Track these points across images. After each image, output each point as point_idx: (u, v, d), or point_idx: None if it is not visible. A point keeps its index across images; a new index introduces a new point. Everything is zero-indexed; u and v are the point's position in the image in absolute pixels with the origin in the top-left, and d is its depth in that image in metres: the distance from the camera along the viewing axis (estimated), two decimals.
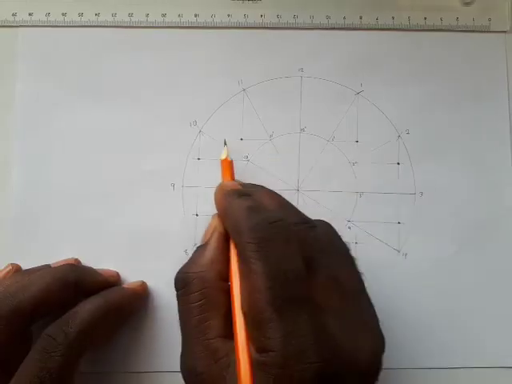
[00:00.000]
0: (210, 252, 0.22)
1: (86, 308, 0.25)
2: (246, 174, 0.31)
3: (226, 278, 0.21)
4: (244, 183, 0.27)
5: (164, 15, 0.32)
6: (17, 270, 0.29)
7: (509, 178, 0.31)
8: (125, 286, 0.29)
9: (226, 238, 0.23)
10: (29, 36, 0.32)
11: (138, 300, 0.29)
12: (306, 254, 0.20)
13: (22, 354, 0.23)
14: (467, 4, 0.32)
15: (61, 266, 0.27)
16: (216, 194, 0.25)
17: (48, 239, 0.30)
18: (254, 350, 0.18)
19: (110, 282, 0.29)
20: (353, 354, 0.18)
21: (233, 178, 0.27)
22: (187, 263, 0.22)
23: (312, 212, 0.30)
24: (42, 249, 0.30)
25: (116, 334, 0.29)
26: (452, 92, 0.32)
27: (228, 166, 0.28)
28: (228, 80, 0.32)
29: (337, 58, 0.32)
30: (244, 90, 0.32)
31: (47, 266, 0.28)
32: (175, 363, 0.29)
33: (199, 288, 0.21)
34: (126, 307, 0.28)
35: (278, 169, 0.31)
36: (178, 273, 0.22)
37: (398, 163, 0.31)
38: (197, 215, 0.30)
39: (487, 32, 0.32)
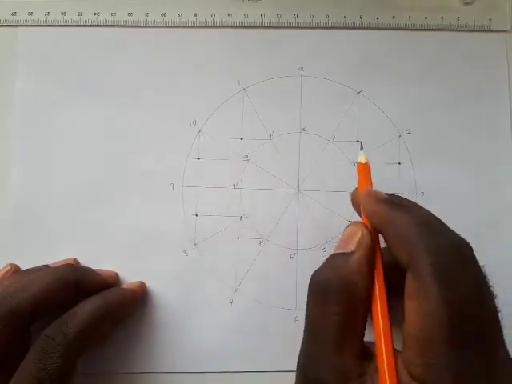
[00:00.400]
0: (356, 262, 0.20)
1: (86, 308, 0.25)
2: (246, 174, 0.31)
3: (370, 293, 0.20)
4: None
5: (164, 14, 0.32)
6: (15, 270, 0.29)
7: (509, 178, 0.31)
8: (124, 286, 0.29)
9: (373, 252, 0.21)
10: (28, 35, 0.32)
11: (137, 300, 0.29)
12: (479, 279, 0.19)
13: (21, 354, 0.23)
14: (468, 3, 0.32)
15: (60, 266, 0.27)
16: (364, 200, 0.23)
17: (47, 239, 0.30)
18: (407, 374, 0.17)
19: (109, 282, 0.29)
20: None
21: (371, 184, 0.25)
22: (328, 267, 0.20)
23: (312, 212, 0.30)
24: (42, 249, 0.30)
25: (114, 334, 0.28)
26: (453, 91, 0.32)
27: (367, 170, 0.25)
28: (228, 79, 0.32)
29: (337, 58, 0.32)
30: (244, 89, 0.32)
31: (46, 267, 0.28)
32: (174, 364, 0.29)
33: (344, 301, 0.19)
34: (125, 308, 0.28)
35: (278, 169, 0.31)
36: (318, 274, 0.20)
37: (399, 163, 0.31)
38: (196, 215, 0.30)
39: (488, 31, 0.32)
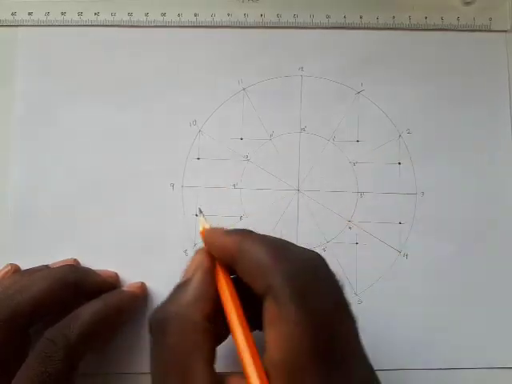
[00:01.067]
0: (194, 289, 0.20)
1: (87, 311, 0.25)
2: (246, 174, 0.31)
3: (209, 317, 0.19)
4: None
5: (164, 14, 0.32)
6: (15, 270, 0.29)
7: (510, 178, 0.31)
8: (124, 288, 0.29)
9: (212, 274, 0.20)
10: (28, 35, 0.32)
11: (138, 302, 0.29)
12: (336, 297, 0.19)
13: (20, 356, 0.23)
14: (468, 3, 0.32)
15: (60, 267, 0.27)
16: (210, 235, 0.22)
17: (47, 239, 0.30)
18: None
19: (109, 282, 0.29)
20: None
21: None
22: (165, 302, 0.20)
23: (312, 212, 0.30)
24: (42, 249, 0.30)
25: (115, 336, 0.28)
26: (453, 91, 0.32)
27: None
28: (228, 79, 0.32)
29: (337, 58, 0.32)
30: (244, 89, 0.31)
31: (45, 267, 0.28)
32: None
33: (180, 331, 0.18)
34: (126, 309, 0.28)
35: (278, 168, 0.31)
36: (154, 313, 0.20)
37: (399, 163, 0.31)
38: (196, 215, 0.30)
39: (488, 31, 0.32)
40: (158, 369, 0.19)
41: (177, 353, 0.18)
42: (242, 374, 0.18)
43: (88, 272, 0.28)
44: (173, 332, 0.18)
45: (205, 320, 0.19)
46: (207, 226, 0.23)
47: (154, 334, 0.19)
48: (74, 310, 0.25)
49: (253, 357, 0.18)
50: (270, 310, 0.18)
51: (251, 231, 0.21)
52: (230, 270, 0.21)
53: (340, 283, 0.20)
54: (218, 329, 0.20)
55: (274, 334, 0.17)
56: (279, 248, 0.19)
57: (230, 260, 0.20)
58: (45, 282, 0.25)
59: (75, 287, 0.26)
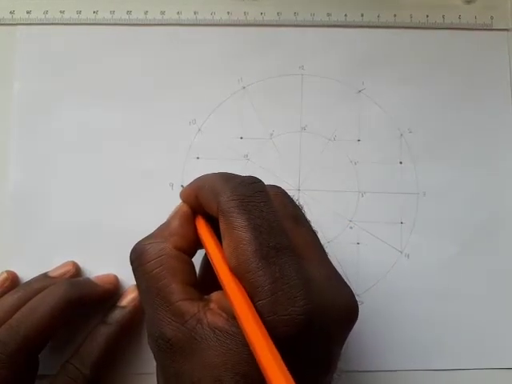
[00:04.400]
0: (169, 226, 0.22)
1: (97, 345, 0.26)
2: (246, 174, 0.30)
3: (183, 250, 0.21)
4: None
5: (163, 13, 0.32)
6: (13, 279, 0.28)
7: (510, 178, 0.31)
8: (124, 304, 0.28)
9: (188, 216, 0.23)
10: (27, 34, 0.32)
11: (140, 315, 0.28)
12: (286, 211, 0.21)
13: (31, 379, 0.25)
14: (469, 2, 0.32)
15: (61, 284, 0.27)
16: (181, 191, 0.25)
17: (47, 239, 0.30)
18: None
19: (109, 291, 0.28)
20: (336, 301, 0.19)
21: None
22: (145, 237, 0.22)
23: (313, 212, 0.30)
24: (41, 249, 0.30)
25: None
26: (454, 90, 0.31)
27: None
28: (228, 78, 0.31)
29: (338, 56, 0.32)
30: (244, 88, 0.31)
31: (45, 276, 0.28)
32: None
33: (155, 256, 0.21)
34: (132, 327, 0.28)
35: (278, 168, 0.31)
36: (133, 247, 0.22)
37: (401, 162, 0.31)
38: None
39: (489, 30, 0.32)
40: (141, 295, 0.21)
41: (154, 275, 0.20)
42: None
43: (88, 284, 0.28)
44: (148, 259, 0.21)
45: (177, 250, 0.21)
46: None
47: (132, 263, 0.21)
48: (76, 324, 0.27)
49: (227, 270, 0.19)
50: (221, 224, 0.20)
51: (206, 174, 0.23)
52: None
53: (284, 195, 0.22)
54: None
55: (227, 244, 0.19)
56: (228, 174, 0.22)
57: (195, 201, 0.23)
58: (48, 307, 0.25)
59: (78, 305, 0.26)
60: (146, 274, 0.20)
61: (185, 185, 0.30)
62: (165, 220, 0.23)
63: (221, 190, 0.20)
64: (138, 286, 0.21)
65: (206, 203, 0.22)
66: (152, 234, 0.22)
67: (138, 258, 0.21)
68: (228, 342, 0.18)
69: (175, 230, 0.22)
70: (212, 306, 0.19)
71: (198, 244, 0.22)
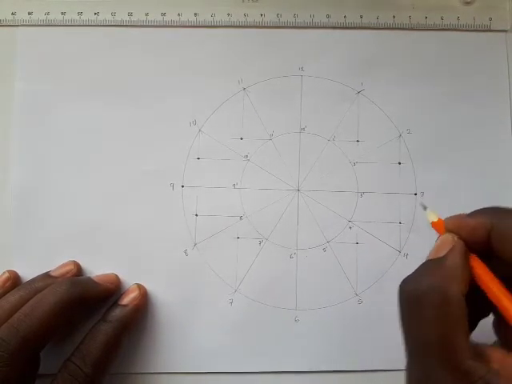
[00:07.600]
0: (450, 266, 0.19)
1: (97, 343, 0.26)
2: (246, 174, 0.31)
3: (464, 295, 0.19)
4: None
5: (163, 14, 0.32)
6: (14, 278, 0.29)
7: (510, 178, 0.31)
8: (125, 303, 0.28)
9: (467, 255, 0.20)
10: (28, 35, 0.32)
11: (141, 314, 0.29)
12: None
13: (30, 379, 0.25)
14: (468, 3, 0.32)
15: (62, 282, 0.27)
16: (449, 220, 0.22)
17: (47, 239, 0.30)
18: None
19: (110, 290, 0.29)
20: None
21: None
22: (417, 274, 0.19)
23: (312, 212, 0.30)
24: (42, 249, 0.30)
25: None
26: (453, 91, 0.32)
27: (441, 226, 0.23)
28: (228, 79, 0.31)
29: (337, 57, 0.32)
30: (244, 89, 0.31)
31: (46, 275, 0.28)
32: (174, 364, 0.29)
33: (439, 303, 0.18)
34: (132, 326, 0.28)
35: (278, 168, 0.31)
36: (405, 283, 0.19)
37: (399, 163, 0.31)
38: (196, 215, 0.30)
39: (488, 31, 0.32)
40: (415, 341, 0.19)
41: (437, 326, 0.18)
42: (500, 346, 0.18)
43: (89, 284, 0.28)
44: (431, 304, 0.18)
45: (463, 296, 0.18)
46: (435, 217, 0.23)
47: (406, 305, 0.19)
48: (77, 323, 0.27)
49: None
50: None
51: (497, 206, 0.21)
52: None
53: None
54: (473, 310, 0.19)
55: None
56: None
57: (482, 240, 0.20)
58: (49, 306, 0.25)
59: (79, 303, 0.26)
60: (426, 323, 0.18)
61: (185, 185, 0.31)
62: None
63: None
64: (410, 330, 0.19)
65: (508, 247, 0.19)
66: (426, 270, 0.20)
67: (414, 301, 0.18)
68: None
69: (457, 271, 0.19)
70: (499, 369, 0.17)
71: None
